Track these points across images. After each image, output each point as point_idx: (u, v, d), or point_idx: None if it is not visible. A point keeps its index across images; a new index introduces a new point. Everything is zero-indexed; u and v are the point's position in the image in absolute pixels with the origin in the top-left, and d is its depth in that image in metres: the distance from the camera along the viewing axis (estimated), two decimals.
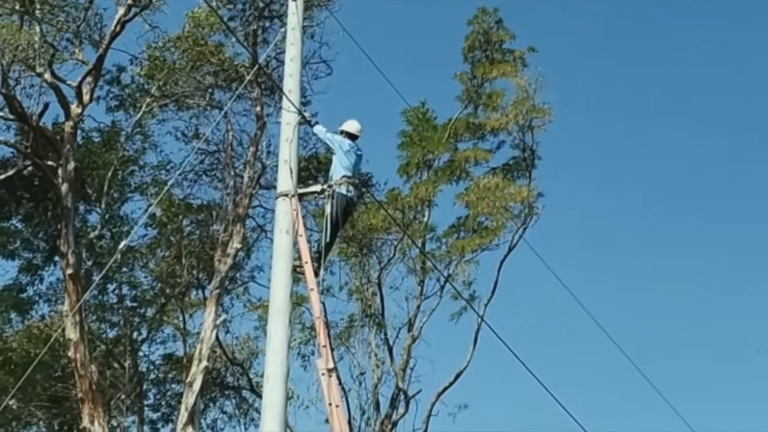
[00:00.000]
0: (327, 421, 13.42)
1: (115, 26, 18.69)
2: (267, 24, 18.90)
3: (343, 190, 12.97)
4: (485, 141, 25.76)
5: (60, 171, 18.62)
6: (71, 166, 18.60)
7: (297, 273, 12.55)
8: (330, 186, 12.93)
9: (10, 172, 20.12)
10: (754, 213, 59.48)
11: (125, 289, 23.43)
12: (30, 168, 19.75)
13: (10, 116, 19.03)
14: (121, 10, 18.57)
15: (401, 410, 25.44)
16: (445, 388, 25.31)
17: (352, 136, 13.11)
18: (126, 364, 22.76)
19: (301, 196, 12.56)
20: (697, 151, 61.74)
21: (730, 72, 57.59)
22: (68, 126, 18.79)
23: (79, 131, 19.32)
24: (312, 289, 12.64)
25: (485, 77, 25.37)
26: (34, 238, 22.03)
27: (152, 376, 24.63)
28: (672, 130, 61.25)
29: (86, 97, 19.02)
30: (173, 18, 21.20)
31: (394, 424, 25.37)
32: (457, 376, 24.99)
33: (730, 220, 59.88)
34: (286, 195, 12.51)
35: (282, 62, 13.38)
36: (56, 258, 20.45)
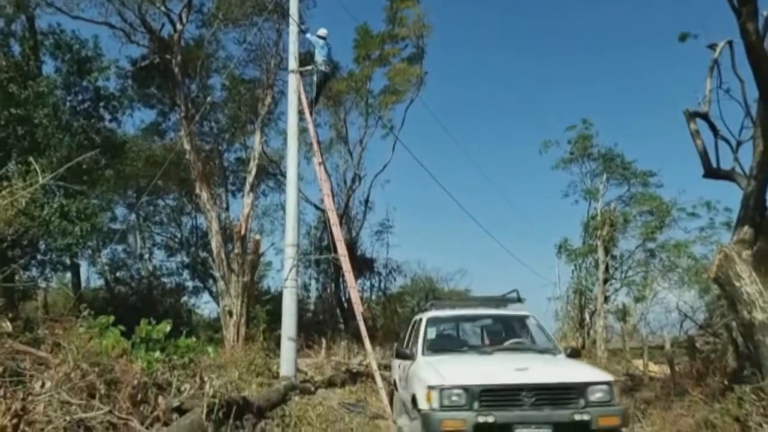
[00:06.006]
0: (321, 190, 13.91)
1: None
2: None
3: (323, 68, 12.99)
4: (398, 43, 24.75)
5: (173, 61, 18.07)
6: (179, 58, 18.04)
7: (301, 114, 12.74)
8: (315, 65, 12.93)
9: (147, 62, 19.32)
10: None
11: (213, 123, 22.82)
12: (157, 60, 18.77)
13: (144, 30, 18.28)
14: None
15: (357, 185, 26.05)
16: (378, 173, 25.76)
17: (322, 38, 13.04)
18: (216, 162, 22.97)
19: (301, 73, 12.60)
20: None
21: None
22: (176, 36, 18.02)
23: (182, 39, 18.43)
24: (309, 123, 12.89)
25: (397, 8, 24.21)
26: (163, 97, 21.29)
27: (231, 168, 24.51)
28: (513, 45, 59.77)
29: (184, 20, 18.20)
30: None
31: (353, 190, 26.09)
32: (384, 167, 25.37)
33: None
34: (294, 72, 12.54)
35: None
36: (175, 108, 19.91)
